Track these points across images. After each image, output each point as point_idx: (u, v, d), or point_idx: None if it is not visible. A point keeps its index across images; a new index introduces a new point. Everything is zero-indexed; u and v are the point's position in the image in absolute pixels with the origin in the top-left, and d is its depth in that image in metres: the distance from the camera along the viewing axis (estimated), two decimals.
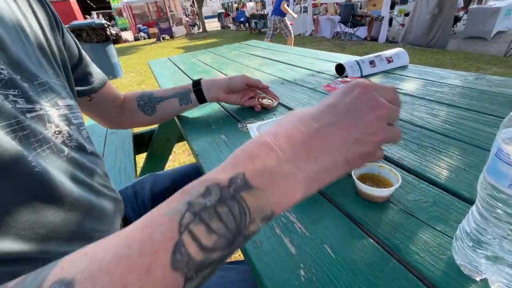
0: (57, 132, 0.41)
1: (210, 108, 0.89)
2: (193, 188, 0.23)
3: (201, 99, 0.79)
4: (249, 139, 0.27)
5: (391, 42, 6.81)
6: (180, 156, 2.49)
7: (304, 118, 0.27)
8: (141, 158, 2.18)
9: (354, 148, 0.26)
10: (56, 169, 0.38)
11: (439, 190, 0.42)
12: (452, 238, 0.34)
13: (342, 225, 0.38)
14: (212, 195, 0.22)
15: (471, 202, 0.39)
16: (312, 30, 9.20)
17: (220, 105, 0.91)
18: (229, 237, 0.21)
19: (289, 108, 0.82)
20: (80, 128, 0.49)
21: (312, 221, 0.40)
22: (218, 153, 0.61)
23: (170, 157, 2.31)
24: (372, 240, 0.35)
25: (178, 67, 1.62)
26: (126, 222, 0.67)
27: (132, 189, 0.80)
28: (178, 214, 0.21)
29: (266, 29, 11.99)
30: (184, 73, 1.46)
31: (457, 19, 6.62)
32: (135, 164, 1.42)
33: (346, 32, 7.71)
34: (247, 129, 0.71)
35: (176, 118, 0.86)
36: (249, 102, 0.82)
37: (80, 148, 0.46)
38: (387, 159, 0.51)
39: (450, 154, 0.50)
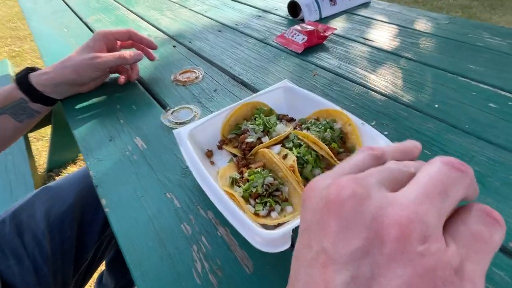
0: None
1: (115, 82, 0.59)
2: None
3: (51, 101, 0.51)
4: None
5: None
6: None
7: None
8: (42, 133, 1.69)
9: None
10: None
11: None
12: None
13: None
14: None
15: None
16: None
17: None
18: None
19: (233, 77, 0.58)
20: None
21: None
22: (130, 182, 0.38)
23: None
24: None
25: (63, 1, 1.10)
26: None
27: (11, 222, 0.52)
28: None
29: None
30: (73, 11, 0.99)
31: None
32: (29, 148, 1.04)
33: None
34: (175, 123, 0.47)
35: (62, 106, 0.55)
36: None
37: None
38: None
39: (456, 156, 0.38)
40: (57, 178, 1.43)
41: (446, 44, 0.64)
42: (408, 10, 0.82)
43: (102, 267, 0.88)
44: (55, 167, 1.49)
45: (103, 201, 0.36)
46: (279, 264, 0.28)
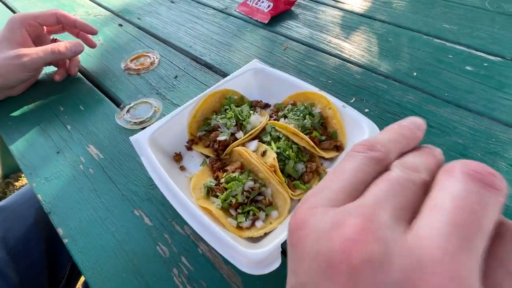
0: None
1: (56, 82, 0.49)
2: None
3: None
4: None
5: None
6: None
7: None
8: None
9: None
10: None
11: None
12: None
13: None
14: None
15: None
16: None
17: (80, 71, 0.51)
18: None
19: (195, 58, 0.51)
20: None
21: None
22: (93, 202, 0.33)
23: None
24: None
25: None
26: None
27: None
28: None
29: None
30: None
31: None
32: None
33: None
34: (133, 123, 0.40)
35: None
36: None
37: None
38: None
39: (436, 129, 0.37)
40: (17, 184, 1.30)
41: (418, 1, 0.60)
42: None
43: None
44: (12, 172, 1.34)
45: (60, 231, 0.31)
46: (269, 277, 0.26)
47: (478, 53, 0.47)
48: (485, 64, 0.45)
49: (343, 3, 0.62)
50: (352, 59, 0.48)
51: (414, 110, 0.39)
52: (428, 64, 0.46)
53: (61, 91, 0.47)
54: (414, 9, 0.58)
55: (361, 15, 0.58)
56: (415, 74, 0.45)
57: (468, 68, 0.44)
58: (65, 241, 0.30)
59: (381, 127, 0.35)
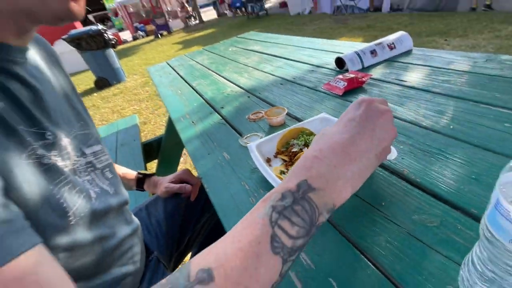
0: (88, 181, 0.46)
1: (210, 121, 0.89)
2: (271, 196, 0.29)
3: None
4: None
5: (395, 10, 6.44)
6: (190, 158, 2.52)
7: (335, 133, 0.33)
8: (153, 164, 2.22)
9: (379, 145, 0.33)
10: (86, 216, 0.42)
11: (447, 206, 0.41)
12: (460, 266, 0.33)
13: (346, 254, 0.38)
14: (287, 198, 0.28)
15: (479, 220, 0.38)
16: (312, 7, 8.81)
17: (220, 115, 0.91)
18: (307, 227, 0.28)
19: (288, 114, 0.81)
20: (103, 171, 0.52)
21: (317, 252, 0.40)
22: (221, 177, 0.62)
23: (181, 159, 2.34)
24: (377, 270, 0.35)
25: (177, 73, 1.61)
26: (147, 250, 0.69)
27: (146, 210, 0.82)
28: (267, 215, 0.27)
29: (264, 12, 11.56)
30: (183, 79, 1.45)
31: None
32: None
33: (347, 6, 7.34)
34: (247, 143, 0.71)
35: (180, 135, 0.87)
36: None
37: (102, 193, 0.48)
38: (390, 170, 0.50)
39: (458, 161, 0.48)
40: None
41: (477, 77, 0.73)
42: (447, 53, 0.93)
43: None
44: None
45: (206, 186, 0.60)
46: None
47: None
48: None
49: (405, 81, 0.81)
50: (410, 119, 0.65)
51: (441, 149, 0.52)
52: (468, 120, 0.58)
53: (211, 131, 0.85)
54: (472, 85, 0.71)
55: (418, 88, 0.75)
56: (451, 127, 0.57)
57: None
58: (207, 190, 0.58)
59: None
